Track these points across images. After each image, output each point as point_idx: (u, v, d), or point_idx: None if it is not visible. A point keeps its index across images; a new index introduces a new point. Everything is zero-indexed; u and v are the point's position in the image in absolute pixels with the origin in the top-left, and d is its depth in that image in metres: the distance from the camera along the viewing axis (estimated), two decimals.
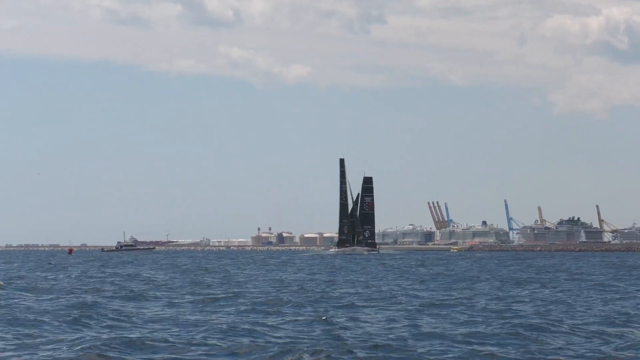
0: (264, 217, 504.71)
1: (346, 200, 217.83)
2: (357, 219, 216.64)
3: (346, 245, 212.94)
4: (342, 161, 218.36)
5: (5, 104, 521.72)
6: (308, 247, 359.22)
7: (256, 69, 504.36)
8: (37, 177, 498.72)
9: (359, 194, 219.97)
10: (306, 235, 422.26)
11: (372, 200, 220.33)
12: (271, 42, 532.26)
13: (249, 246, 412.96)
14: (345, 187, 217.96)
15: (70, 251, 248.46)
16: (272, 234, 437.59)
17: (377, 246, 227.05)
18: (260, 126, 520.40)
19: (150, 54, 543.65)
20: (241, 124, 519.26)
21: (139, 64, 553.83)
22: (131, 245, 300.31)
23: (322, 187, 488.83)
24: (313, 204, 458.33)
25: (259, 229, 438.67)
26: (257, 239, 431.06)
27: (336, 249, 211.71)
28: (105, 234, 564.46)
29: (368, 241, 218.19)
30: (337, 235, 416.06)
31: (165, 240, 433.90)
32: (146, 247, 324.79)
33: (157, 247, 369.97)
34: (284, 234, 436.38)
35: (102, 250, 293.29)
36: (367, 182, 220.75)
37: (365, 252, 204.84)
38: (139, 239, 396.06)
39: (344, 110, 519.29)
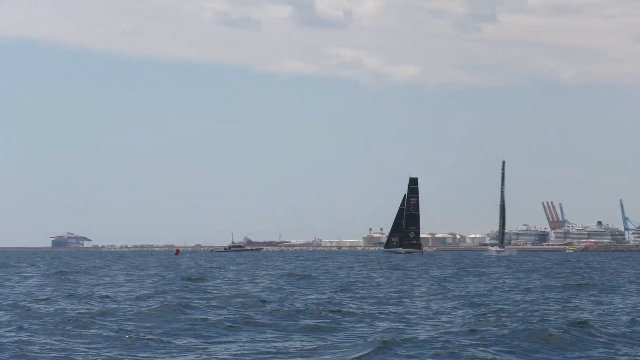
0: (375, 217, 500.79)
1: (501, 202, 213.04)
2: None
3: (504, 245, 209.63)
4: (503, 163, 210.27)
5: (117, 108, 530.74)
6: None
7: (366, 70, 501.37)
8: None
9: (405, 194, 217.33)
10: None
11: (417, 201, 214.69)
12: (381, 42, 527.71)
13: (360, 246, 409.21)
14: (503, 190, 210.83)
15: (177, 252, 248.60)
16: (383, 234, 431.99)
17: (422, 247, 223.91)
18: (370, 126, 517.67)
19: (261, 55, 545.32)
20: (352, 124, 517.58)
21: (249, 66, 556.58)
22: (239, 246, 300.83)
23: (431, 186, 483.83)
24: (423, 205, 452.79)
25: (370, 229, 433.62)
26: (369, 240, 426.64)
27: (497, 249, 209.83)
28: (220, 234, 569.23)
29: (413, 242, 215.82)
30: (449, 235, 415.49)
31: (278, 240, 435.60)
32: (254, 248, 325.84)
33: (268, 248, 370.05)
34: None
35: (211, 251, 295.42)
36: (413, 183, 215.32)
37: (515, 253, 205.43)
38: (253, 240, 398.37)
39: (455, 109, 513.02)
